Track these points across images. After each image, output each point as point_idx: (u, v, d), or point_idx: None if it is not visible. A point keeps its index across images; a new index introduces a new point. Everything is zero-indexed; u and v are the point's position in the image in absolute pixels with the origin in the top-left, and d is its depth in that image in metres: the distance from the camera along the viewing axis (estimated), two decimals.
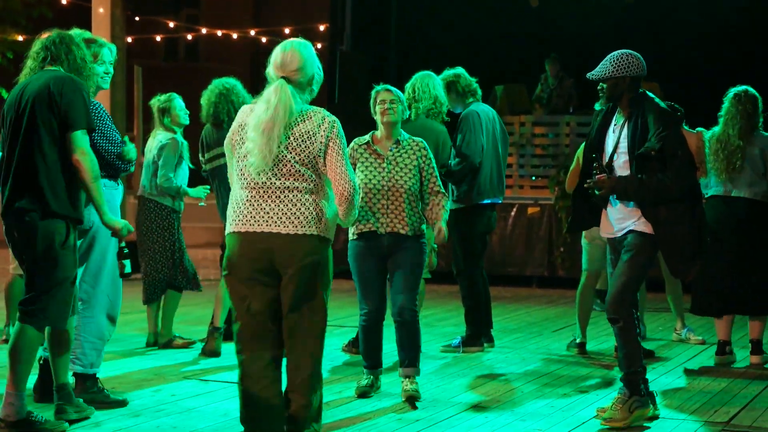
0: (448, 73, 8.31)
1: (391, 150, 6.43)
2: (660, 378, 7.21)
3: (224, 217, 7.93)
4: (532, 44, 15.98)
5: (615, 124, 6.01)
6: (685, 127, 6.11)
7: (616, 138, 5.94)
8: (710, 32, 14.79)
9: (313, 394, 4.88)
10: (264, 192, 4.78)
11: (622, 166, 5.89)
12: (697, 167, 6.09)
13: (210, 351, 7.88)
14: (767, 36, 14.48)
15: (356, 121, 9.48)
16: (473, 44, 15.23)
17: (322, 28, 19.88)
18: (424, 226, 6.52)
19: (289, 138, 4.76)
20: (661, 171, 5.74)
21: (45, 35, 5.72)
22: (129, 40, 16.80)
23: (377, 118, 6.49)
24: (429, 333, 9.07)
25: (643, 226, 5.85)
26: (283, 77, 4.83)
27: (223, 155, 7.77)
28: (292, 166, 4.75)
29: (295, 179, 4.76)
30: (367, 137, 6.49)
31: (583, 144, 8.32)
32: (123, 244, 5.98)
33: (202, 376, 7.18)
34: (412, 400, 6.35)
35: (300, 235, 4.74)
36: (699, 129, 6.50)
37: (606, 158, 5.96)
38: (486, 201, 8.24)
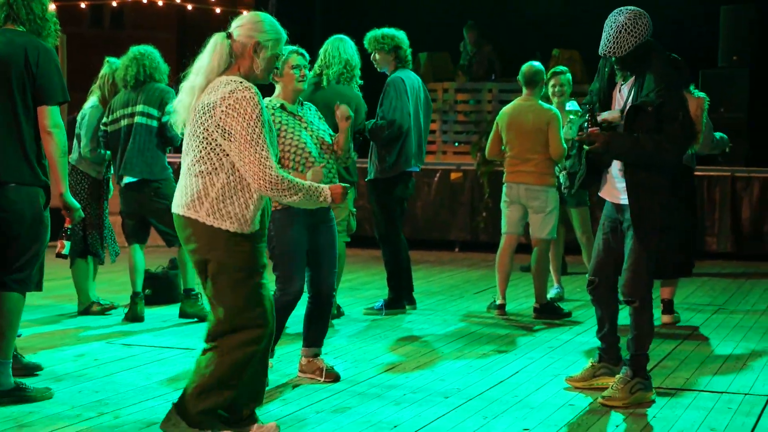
0: (399, 34, 8.29)
1: (300, 111, 6.10)
2: (576, 338, 7.40)
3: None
4: (456, 11, 16.05)
5: (623, 84, 5.61)
6: (692, 89, 5.70)
7: (625, 101, 5.56)
8: None
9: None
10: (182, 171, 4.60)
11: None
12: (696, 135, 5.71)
13: (133, 316, 7.90)
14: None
15: None
16: (398, 10, 15.25)
17: None
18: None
19: (196, 108, 4.48)
20: (656, 131, 5.37)
21: None
22: (53, 6, 16.49)
23: (283, 81, 6.03)
24: (352, 296, 9.17)
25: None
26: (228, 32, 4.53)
27: (122, 118, 7.78)
28: (188, 141, 4.50)
29: (193, 159, 4.49)
30: (276, 100, 6.04)
31: (503, 110, 8.50)
32: (69, 226, 5.93)
33: (125, 340, 7.21)
34: (337, 376, 6.09)
35: (181, 216, 4.54)
36: (700, 94, 6.32)
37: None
38: (410, 169, 8.32)
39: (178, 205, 4.55)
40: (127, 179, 7.83)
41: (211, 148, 4.44)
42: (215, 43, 4.51)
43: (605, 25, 5.48)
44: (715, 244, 12.16)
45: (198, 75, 4.50)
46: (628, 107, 5.47)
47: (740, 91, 13.06)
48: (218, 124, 4.39)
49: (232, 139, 4.38)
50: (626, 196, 5.55)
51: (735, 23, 13.41)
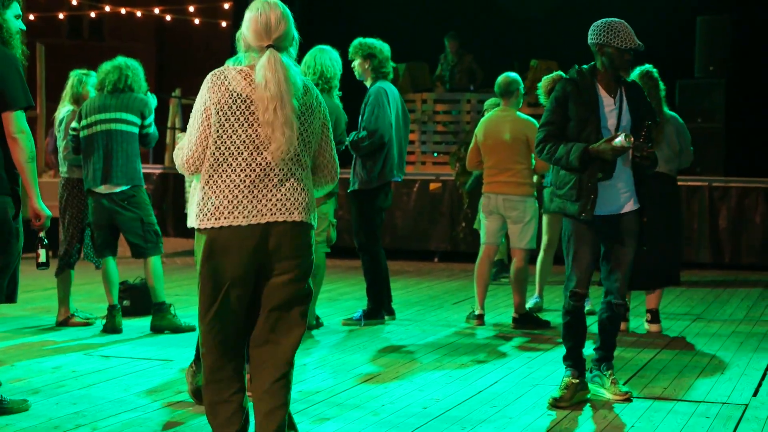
0: (377, 44, 8.32)
1: None
2: (555, 348, 7.41)
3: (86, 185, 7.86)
4: (434, 22, 16.12)
5: (611, 97, 5.79)
6: None
7: (618, 112, 5.78)
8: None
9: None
10: (265, 177, 4.16)
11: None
12: None
13: (111, 328, 7.88)
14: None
15: None
16: (377, 21, 15.30)
17: (227, 6, 19.74)
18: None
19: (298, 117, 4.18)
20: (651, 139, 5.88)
21: None
22: (31, 17, 16.43)
23: None
24: (331, 307, 9.19)
25: (636, 203, 5.86)
26: (270, 46, 4.15)
27: (97, 123, 7.74)
28: (294, 148, 4.16)
29: (294, 164, 4.19)
30: None
31: (481, 121, 8.52)
32: (42, 234, 5.76)
33: (103, 351, 7.19)
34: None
35: (299, 223, 4.18)
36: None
37: (612, 133, 5.72)
38: (393, 179, 8.35)
39: (295, 213, 4.21)
40: (118, 189, 7.78)
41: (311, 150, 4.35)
42: (274, 61, 4.16)
43: (614, 28, 5.66)
44: (693, 254, 12.23)
45: (285, 101, 4.15)
46: (648, 124, 5.77)
47: (717, 101, 13.16)
48: (319, 127, 4.35)
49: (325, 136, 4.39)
50: (631, 204, 5.83)
51: (711, 34, 13.51)
